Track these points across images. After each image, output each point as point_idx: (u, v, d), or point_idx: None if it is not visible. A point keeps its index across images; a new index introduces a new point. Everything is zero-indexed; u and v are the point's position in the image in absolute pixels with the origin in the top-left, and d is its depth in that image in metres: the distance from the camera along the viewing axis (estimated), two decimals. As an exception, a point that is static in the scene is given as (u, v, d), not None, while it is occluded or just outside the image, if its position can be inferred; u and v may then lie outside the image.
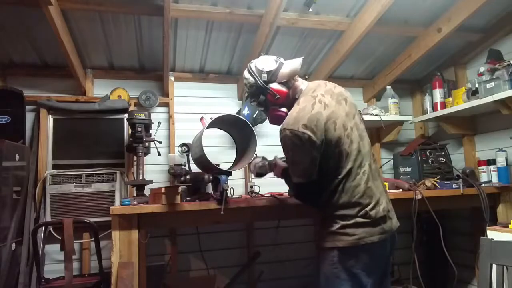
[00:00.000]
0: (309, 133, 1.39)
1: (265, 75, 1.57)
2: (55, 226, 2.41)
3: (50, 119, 2.62)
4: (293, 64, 1.59)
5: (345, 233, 1.41)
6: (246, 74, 1.65)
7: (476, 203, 2.37)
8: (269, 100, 1.60)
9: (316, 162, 1.44)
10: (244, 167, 2.89)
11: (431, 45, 2.67)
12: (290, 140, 1.42)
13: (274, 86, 1.57)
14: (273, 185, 2.67)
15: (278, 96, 1.56)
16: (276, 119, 1.62)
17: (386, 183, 2.40)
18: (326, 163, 1.45)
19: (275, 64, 1.59)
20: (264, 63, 1.60)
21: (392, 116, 3.06)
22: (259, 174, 1.98)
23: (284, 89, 1.58)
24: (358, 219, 1.42)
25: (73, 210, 2.49)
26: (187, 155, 2.49)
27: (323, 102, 1.47)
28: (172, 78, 2.94)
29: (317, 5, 2.34)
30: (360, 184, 1.45)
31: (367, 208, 1.43)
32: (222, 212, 1.76)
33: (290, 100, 1.59)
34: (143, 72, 2.94)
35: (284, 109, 1.59)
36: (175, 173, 2.27)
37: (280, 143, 1.50)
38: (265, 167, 1.93)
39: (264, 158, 1.99)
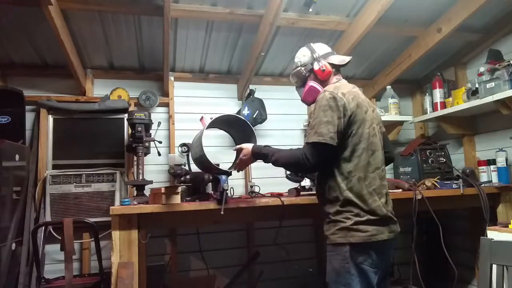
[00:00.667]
0: (345, 100, 1.49)
1: (321, 52, 1.72)
2: (55, 226, 2.41)
3: (50, 119, 2.63)
4: (342, 57, 1.75)
5: (358, 229, 1.46)
6: (302, 49, 1.78)
7: (476, 203, 2.37)
8: (314, 72, 1.69)
9: (341, 129, 1.47)
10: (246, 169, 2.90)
11: (431, 45, 2.67)
12: (326, 101, 1.50)
13: (324, 62, 1.69)
14: (273, 185, 2.68)
15: (324, 68, 1.67)
16: (312, 93, 1.70)
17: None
18: (345, 145, 1.50)
19: (329, 50, 1.77)
20: (322, 45, 1.78)
21: (392, 116, 3.07)
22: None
23: (330, 69, 1.70)
24: (370, 216, 1.47)
25: (73, 210, 2.49)
26: (187, 155, 2.49)
27: (360, 93, 1.64)
28: (172, 78, 2.94)
29: (317, 5, 2.34)
30: (375, 180, 1.52)
31: (380, 204, 1.50)
32: (222, 212, 1.76)
33: (329, 82, 1.69)
34: (143, 72, 2.94)
35: (321, 87, 1.67)
36: (175, 173, 2.28)
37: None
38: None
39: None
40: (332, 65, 1.71)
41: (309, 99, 1.73)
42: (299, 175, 2.23)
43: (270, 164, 1.67)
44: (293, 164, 1.63)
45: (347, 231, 1.48)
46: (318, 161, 1.50)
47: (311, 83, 1.71)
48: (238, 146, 1.83)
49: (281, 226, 1.96)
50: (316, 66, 1.69)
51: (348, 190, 1.49)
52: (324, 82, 1.70)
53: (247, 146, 1.76)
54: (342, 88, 1.56)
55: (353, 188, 1.49)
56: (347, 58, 1.74)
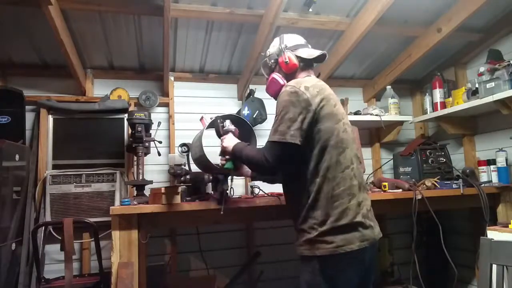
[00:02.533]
0: (308, 94, 1.39)
1: (288, 43, 1.62)
2: (55, 226, 2.41)
3: (50, 119, 2.63)
4: (313, 51, 1.62)
5: (324, 240, 1.36)
6: (275, 39, 1.70)
7: (476, 203, 2.37)
8: (278, 64, 1.62)
9: (304, 127, 1.37)
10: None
11: (431, 45, 2.67)
12: (287, 96, 1.41)
13: (290, 54, 1.59)
14: (273, 185, 2.67)
15: (287, 61, 1.57)
16: (273, 85, 1.63)
17: (386, 183, 2.41)
18: (311, 144, 1.39)
19: (301, 42, 1.66)
20: (294, 36, 1.68)
21: (392, 116, 3.06)
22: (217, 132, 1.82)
23: (296, 62, 1.59)
24: (336, 223, 1.36)
25: (73, 210, 2.49)
26: (187, 155, 2.49)
27: (327, 86, 1.53)
28: (172, 78, 2.94)
29: (317, 5, 2.34)
30: (345, 180, 1.40)
31: (349, 207, 1.38)
32: (222, 212, 1.76)
33: (293, 76, 1.60)
34: (143, 72, 2.94)
35: (284, 80, 1.59)
36: (175, 173, 2.27)
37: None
38: (219, 127, 1.79)
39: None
40: (300, 58, 1.60)
41: (270, 91, 1.65)
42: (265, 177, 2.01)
43: None
44: (254, 164, 1.52)
45: (312, 243, 1.38)
46: (278, 161, 1.40)
47: (274, 74, 1.62)
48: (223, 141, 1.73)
49: (281, 226, 1.97)
50: (280, 58, 1.60)
51: (315, 192, 1.38)
52: (289, 75, 1.59)
53: (233, 140, 1.67)
54: (305, 82, 1.45)
55: (320, 191, 1.38)
56: (317, 52, 1.61)
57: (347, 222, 1.36)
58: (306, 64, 1.62)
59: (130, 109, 2.74)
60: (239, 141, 1.67)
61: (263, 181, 2.01)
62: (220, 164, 1.78)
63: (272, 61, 1.65)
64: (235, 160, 1.69)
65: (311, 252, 1.38)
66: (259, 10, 2.39)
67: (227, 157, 1.71)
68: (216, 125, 1.79)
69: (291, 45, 1.62)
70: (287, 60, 1.58)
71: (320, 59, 1.64)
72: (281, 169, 1.48)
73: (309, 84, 1.44)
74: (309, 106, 1.38)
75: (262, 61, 1.72)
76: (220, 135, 1.77)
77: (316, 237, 1.37)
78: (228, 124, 1.76)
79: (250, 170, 1.80)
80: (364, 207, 1.44)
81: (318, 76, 1.62)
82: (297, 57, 1.60)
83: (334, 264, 1.37)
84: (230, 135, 1.72)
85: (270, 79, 1.64)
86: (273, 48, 1.67)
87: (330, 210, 1.37)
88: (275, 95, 1.56)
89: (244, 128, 1.95)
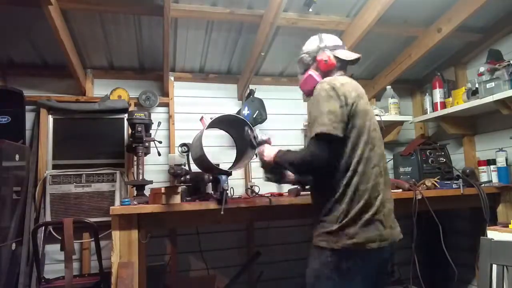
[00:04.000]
0: (345, 89, 1.42)
1: (328, 43, 1.64)
2: (55, 226, 2.41)
3: (50, 119, 2.63)
4: (350, 53, 1.65)
5: (343, 234, 1.36)
6: (312, 37, 1.70)
7: (476, 203, 2.37)
8: (317, 61, 1.62)
9: (343, 119, 1.39)
10: (245, 167, 2.90)
11: (431, 45, 2.67)
12: (325, 91, 1.42)
13: (330, 53, 1.61)
14: (273, 185, 2.67)
15: (327, 60, 1.59)
16: (309, 82, 1.63)
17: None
18: (345, 139, 1.41)
19: (340, 43, 1.68)
20: (333, 37, 1.70)
21: (392, 116, 3.06)
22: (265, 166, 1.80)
23: (334, 61, 1.60)
24: (357, 217, 1.37)
25: (73, 210, 2.49)
26: (187, 155, 2.49)
27: (359, 85, 1.55)
28: (172, 78, 2.94)
29: (317, 5, 2.34)
30: (370, 179, 1.41)
31: (371, 203, 1.39)
32: (222, 212, 1.76)
33: (329, 75, 1.60)
34: (143, 72, 2.94)
35: (320, 78, 1.60)
36: (175, 173, 2.27)
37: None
38: (250, 139, 1.79)
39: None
40: (338, 59, 1.61)
41: (305, 87, 1.66)
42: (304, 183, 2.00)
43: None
44: (300, 164, 1.49)
45: (331, 235, 1.38)
46: (328, 152, 1.37)
47: (310, 71, 1.63)
48: (261, 148, 1.75)
49: (281, 226, 1.97)
50: (319, 56, 1.61)
51: (344, 186, 1.39)
52: (325, 74, 1.61)
53: (272, 150, 1.68)
54: (339, 79, 1.48)
55: (349, 184, 1.39)
56: (354, 55, 1.64)
57: (368, 217, 1.37)
58: (342, 65, 1.64)
59: (130, 109, 2.74)
60: (277, 149, 1.67)
61: (303, 184, 2.01)
62: (264, 178, 1.80)
63: (310, 58, 1.66)
64: (276, 169, 1.72)
65: (328, 245, 1.38)
66: (259, 10, 2.39)
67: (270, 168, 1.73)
68: (247, 135, 1.81)
69: (331, 45, 1.63)
70: (327, 59, 1.59)
71: (355, 61, 1.66)
72: (327, 161, 1.40)
73: (343, 81, 1.47)
74: (347, 100, 1.41)
75: (298, 57, 1.72)
76: (253, 146, 1.80)
77: (337, 229, 1.37)
78: (259, 134, 1.79)
79: (292, 175, 1.82)
80: (387, 206, 1.46)
81: (351, 77, 1.63)
82: (335, 57, 1.61)
83: (350, 259, 1.37)
84: (266, 146, 1.75)
85: (306, 75, 1.64)
86: (311, 46, 1.67)
87: (354, 204, 1.38)
88: (310, 92, 1.57)
89: (244, 128, 1.95)
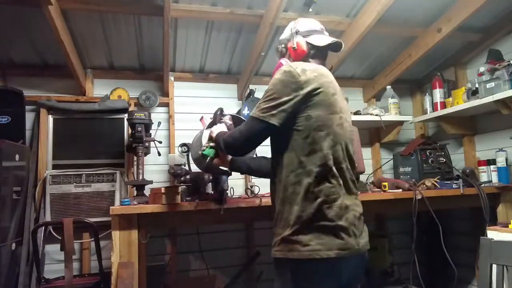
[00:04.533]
0: (303, 77, 1.28)
1: (301, 28, 1.50)
2: (55, 226, 2.40)
3: (50, 119, 2.63)
4: (326, 38, 1.48)
5: (297, 241, 1.21)
6: (289, 23, 1.59)
7: (476, 203, 2.37)
8: (287, 49, 1.52)
9: (289, 110, 1.26)
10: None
11: (431, 45, 2.67)
12: (280, 74, 1.31)
13: (300, 39, 1.47)
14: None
15: (295, 47, 1.47)
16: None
17: (386, 183, 2.41)
18: (298, 130, 1.28)
19: (316, 28, 1.52)
20: (309, 21, 1.55)
21: (392, 116, 3.06)
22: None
23: (305, 48, 1.46)
24: (312, 223, 1.22)
25: (73, 210, 2.49)
26: (187, 155, 2.49)
27: (330, 74, 1.42)
28: (172, 78, 2.94)
29: (317, 5, 2.34)
30: (327, 179, 1.26)
31: (329, 207, 1.23)
32: (222, 212, 1.76)
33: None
34: (143, 72, 2.94)
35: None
36: (175, 173, 2.27)
37: None
38: (216, 117, 1.71)
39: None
40: (311, 45, 1.46)
41: None
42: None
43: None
44: (224, 142, 1.40)
45: (286, 243, 1.24)
46: (248, 135, 1.31)
47: (281, 60, 1.52)
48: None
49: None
50: (289, 43, 1.50)
51: (296, 184, 1.25)
52: (295, 60, 1.47)
53: (215, 130, 1.57)
54: (304, 65, 1.34)
55: (300, 183, 1.24)
56: (328, 40, 1.46)
57: (326, 224, 1.22)
58: (318, 52, 1.47)
59: (130, 109, 2.74)
60: (227, 131, 1.56)
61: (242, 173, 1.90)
62: (200, 152, 1.63)
63: (283, 45, 1.55)
64: (216, 148, 1.57)
65: (283, 254, 1.24)
66: (259, 10, 2.39)
67: (211, 144, 1.57)
68: (214, 115, 1.75)
69: (304, 30, 1.49)
70: (295, 46, 1.47)
71: (334, 48, 1.49)
72: (247, 147, 1.38)
73: (307, 67, 1.32)
74: (300, 89, 1.27)
75: (276, 46, 1.62)
76: (214, 124, 1.72)
77: (290, 235, 1.23)
78: (227, 118, 1.73)
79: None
80: (351, 212, 1.28)
81: (330, 69, 1.49)
82: (308, 43, 1.46)
83: (307, 271, 1.22)
84: (222, 125, 1.65)
85: (277, 65, 1.53)
86: (285, 33, 1.56)
87: (308, 206, 1.23)
88: None
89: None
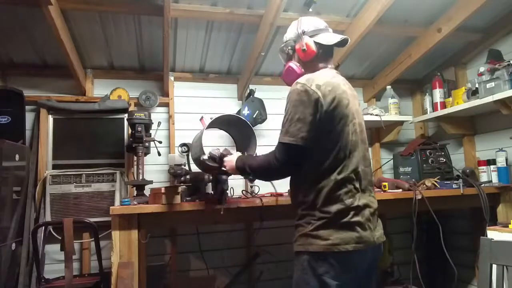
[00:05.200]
0: (319, 94, 1.30)
1: (307, 27, 1.49)
2: (55, 226, 2.41)
3: (50, 119, 2.63)
4: (334, 36, 1.49)
5: (318, 235, 1.30)
6: (293, 22, 1.57)
7: (476, 203, 2.37)
8: (295, 51, 1.51)
9: (313, 127, 1.30)
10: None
11: (431, 45, 2.67)
12: (297, 95, 1.33)
13: (308, 40, 1.46)
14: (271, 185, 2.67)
15: (305, 48, 1.46)
16: (289, 74, 1.54)
17: (386, 183, 2.41)
18: (318, 143, 1.33)
19: (321, 26, 1.51)
20: (314, 20, 1.54)
21: (392, 116, 3.06)
22: (208, 164, 1.77)
23: (314, 49, 1.46)
24: (334, 220, 1.30)
25: (73, 210, 2.49)
26: (187, 155, 2.49)
27: (343, 83, 1.43)
28: (172, 78, 2.94)
29: (317, 5, 2.34)
30: (345, 184, 1.34)
31: (348, 207, 1.31)
32: (222, 212, 1.76)
33: (311, 64, 1.49)
34: (143, 72, 2.94)
35: (301, 70, 1.51)
36: (175, 173, 2.27)
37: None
38: (214, 157, 1.73)
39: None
40: (319, 45, 1.46)
41: (287, 80, 1.55)
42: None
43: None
44: (263, 170, 1.46)
45: (306, 237, 1.33)
46: (286, 161, 1.34)
47: (291, 63, 1.52)
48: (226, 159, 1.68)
49: (281, 226, 1.97)
50: (297, 44, 1.48)
51: (317, 191, 1.33)
52: (306, 63, 1.49)
53: (231, 159, 1.60)
54: (317, 79, 1.35)
55: (322, 190, 1.32)
56: (337, 37, 1.47)
57: (344, 221, 1.30)
58: (326, 51, 1.49)
59: (130, 109, 2.74)
60: (236, 156, 1.61)
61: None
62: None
63: (289, 47, 1.53)
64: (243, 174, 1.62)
65: (304, 248, 1.32)
66: (259, 10, 2.39)
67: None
68: (207, 162, 1.75)
69: (310, 30, 1.48)
70: (305, 47, 1.45)
71: (340, 43, 1.49)
72: (290, 170, 1.42)
73: (321, 81, 1.34)
74: (321, 106, 1.30)
75: (280, 47, 1.61)
76: (218, 166, 1.72)
77: (311, 231, 1.31)
78: (212, 152, 1.72)
79: None
80: (367, 209, 1.37)
81: (337, 67, 1.51)
82: (316, 43, 1.46)
83: (326, 262, 1.29)
84: (226, 159, 1.66)
85: (286, 67, 1.54)
86: (290, 33, 1.54)
87: (329, 208, 1.31)
88: (291, 84, 1.45)
89: (244, 128, 1.95)
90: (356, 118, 1.41)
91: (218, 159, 1.70)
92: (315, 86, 1.32)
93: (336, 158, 1.33)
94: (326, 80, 1.36)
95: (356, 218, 1.32)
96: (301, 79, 1.37)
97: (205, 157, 1.76)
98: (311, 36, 1.47)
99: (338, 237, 1.29)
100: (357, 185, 1.37)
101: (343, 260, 1.30)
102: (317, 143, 1.33)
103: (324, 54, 1.49)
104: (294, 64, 1.52)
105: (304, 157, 1.35)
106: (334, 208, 1.31)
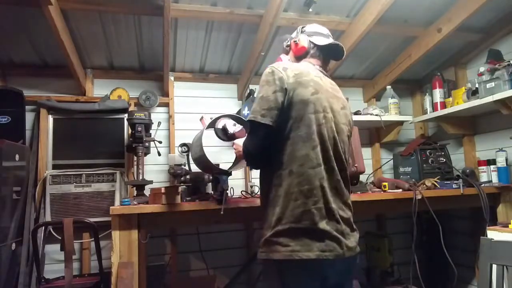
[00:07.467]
0: (284, 74, 1.30)
1: (308, 28, 1.55)
2: (55, 226, 2.41)
3: (50, 119, 2.63)
4: (329, 40, 1.53)
5: (278, 242, 1.22)
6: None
7: (476, 203, 2.37)
8: (290, 44, 1.56)
9: (278, 106, 1.26)
10: (244, 167, 2.90)
11: (431, 45, 2.67)
12: (265, 76, 1.34)
13: (303, 36, 1.51)
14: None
15: (297, 41, 1.50)
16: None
17: (386, 183, 2.41)
18: (281, 130, 1.28)
19: (323, 32, 1.55)
20: (318, 26, 1.58)
21: (392, 116, 3.06)
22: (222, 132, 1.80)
23: (306, 45, 1.49)
24: (292, 225, 1.21)
25: (73, 210, 2.49)
26: (187, 155, 2.49)
27: (324, 81, 1.41)
28: (172, 78, 2.94)
29: (317, 5, 2.34)
30: (308, 181, 1.24)
31: (310, 210, 1.22)
32: (222, 212, 1.76)
33: (301, 60, 1.52)
34: (143, 72, 2.94)
35: (287, 60, 1.55)
36: (175, 173, 2.28)
37: None
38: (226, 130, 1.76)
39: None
40: (313, 44, 1.50)
41: None
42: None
43: None
44: (245, 153, 1.38)
45: (268, 244, 1.25)
46: (257, 140, 1.29)
47: (282, 55, 1.57)
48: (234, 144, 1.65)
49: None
50: (293, 39, 1.54)
51: (277, 185, 1.25)
52: (298, 59, 1.52)
53: (241, 144, 1.51)
54: (288, 64, 1.38)
55: (282, 184, 1.24)
56: (329, 41, 1.51)
57: (306, 227, 1.21)
58: (317, 52, 1.50)
59: (130, 109, 2.74)
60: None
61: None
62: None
63: (288, 42, 1.58)
64: None
65: (267, 255, 1.25)
66: (259, 10, 2.39)
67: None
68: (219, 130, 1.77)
69: (310, 30, 1.53)
70: (298, 41, 1.49)
71: (334, 54, 1.54)
72: (257, 152, 1.33)
73: (290, 66, 1.35)
74: (283, 85, 1.28)
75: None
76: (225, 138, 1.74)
77: (271, 237, 1.24)
78: (229, 127, 1.75)
79: None
80: (337, 216, 1.26)
81: (326, 71, 1.51)
82: (310, 42, 1.50)
83: (290, 272, 1.21)
84: (236, 141, 1.65)
85: (277, 59, 1.58)
86: (294, 32, 1.60)
87: (288, 209, 1.23)
88: None
89: (244, 128, 1.95)
90: (329, 113, 1.34)
91: (228, 136, 1.72)
92: (282, 68, 1.33)
93: (300, 146, 1.26)
94: (296, 66, 1.38)
95: (321, 226, 1.22)
96: (273, 64, 1.39)
97: (219, 126, 1.76)
98: (308, 35, 1.52)
99: (299, 243, 1.20)
100: (327, 185, 1.27)
101: (307, 268, 1.21)
102: (280, 127, 1.28)
103: (315, 54, 1.51)
104: (284, 56, 1.57)
105: (271, 138, 1.29)
106: (296, 209, 1.23)
